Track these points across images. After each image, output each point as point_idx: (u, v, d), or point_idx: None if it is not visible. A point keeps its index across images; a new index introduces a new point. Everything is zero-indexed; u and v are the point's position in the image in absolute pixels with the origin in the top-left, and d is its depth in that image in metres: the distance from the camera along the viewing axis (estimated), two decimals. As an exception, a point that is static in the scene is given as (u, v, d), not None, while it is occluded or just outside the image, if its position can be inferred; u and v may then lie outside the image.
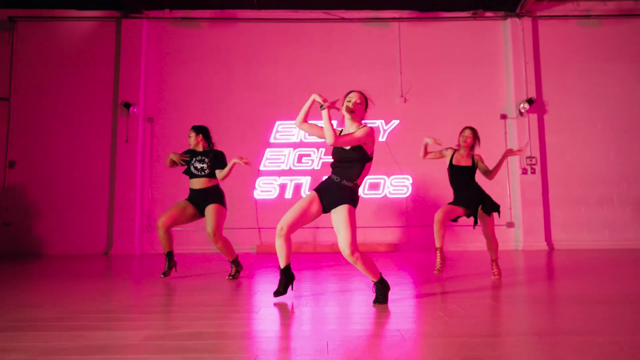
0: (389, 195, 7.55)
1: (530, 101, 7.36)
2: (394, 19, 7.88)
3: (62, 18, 7.80)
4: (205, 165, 4.33)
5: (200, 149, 4.47)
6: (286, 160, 7.61)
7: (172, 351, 1.88)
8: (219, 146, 7.56)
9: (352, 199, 2.86)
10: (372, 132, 2.91)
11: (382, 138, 7.64)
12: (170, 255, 4.21)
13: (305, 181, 7.56)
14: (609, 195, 7.54)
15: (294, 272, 3.08)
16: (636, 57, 7.82)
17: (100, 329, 2.25)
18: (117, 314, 2.61)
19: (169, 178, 7.44)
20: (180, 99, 7.80)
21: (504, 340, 2.04)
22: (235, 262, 4.29)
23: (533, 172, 7.44)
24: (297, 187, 7.57)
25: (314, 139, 7.65)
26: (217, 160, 4.39)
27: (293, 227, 2.87)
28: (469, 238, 7.20)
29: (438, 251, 4.14)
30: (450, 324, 2.30)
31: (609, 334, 2.08)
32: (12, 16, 7.69)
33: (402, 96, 7.75)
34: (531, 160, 7.46)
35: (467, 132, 4.32)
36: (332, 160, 3.00)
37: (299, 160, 7.60)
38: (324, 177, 3.10)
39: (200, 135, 4.49)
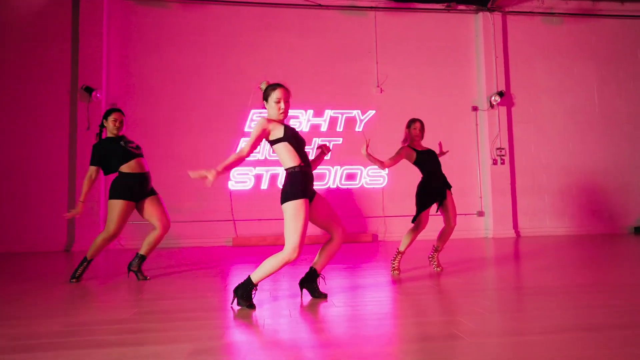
0: (365, 186, 7.56)
1: (501, 94, 7.62)
2: (370, 7, 7.82)
3: (9, -9, 7.02)
4: (136, 144, 3.91)
5: (120, 133, 3.87)
6: (262, 150, 7.39)
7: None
8: (190, 136, 7.30)
9: None
10: None
11: (358, 128, 7.61)
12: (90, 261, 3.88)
13: (281, 171, 7.39)
14: (568, 184, 8.02)
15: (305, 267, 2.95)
16: (594, 55, 8.31)
17: (130, 344, 2.03)
18: (134, 323, 2.37)
19: (137, 168, 7.01)
20: (147, 83, 7.32)
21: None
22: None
23: (502, 163, 7.75)
24: (274, 178, 7.39)
25: (290, 128, 7.48)
26: None
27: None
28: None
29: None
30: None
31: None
32: (-52, -14, 6.82)
33: (378, 86, 7.74)
34: (501, 151, 7.75)
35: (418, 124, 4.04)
36: (299, 157, 2.72)
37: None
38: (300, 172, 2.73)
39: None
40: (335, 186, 7.48)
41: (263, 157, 7.40)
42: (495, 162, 7.72)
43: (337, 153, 7.53)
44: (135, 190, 3.74)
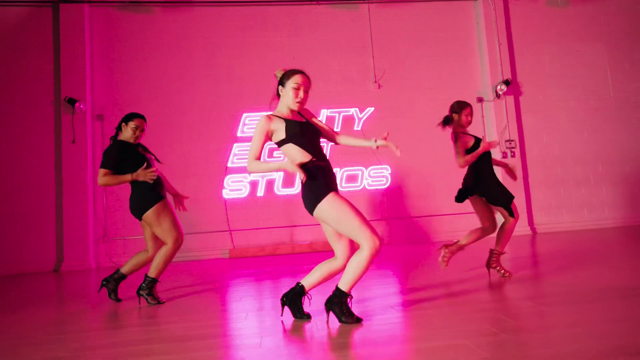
0: (367, 187, 7.13)
1: (507, 82, 7.16)
2: (362, 0, 7.43)
3: (-14, 3, 6.77)
4: (153, 155, 3.58)
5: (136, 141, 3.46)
6: (256, 155, 7.01)
7: None
8: (181, 144, 6.96)
9: None
10: None
11: (357, 127, 7.20)
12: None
13: (278, 176, 6.99)
14: (585, 175, 7.50)
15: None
16: (602, 37, 7.80)
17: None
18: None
19: (126, 181, 6.69)
20: (134, 92, 7.00)
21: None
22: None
23: (513, 156, 7.27)
24: (270, 184, 6.99)
25: (285, 130, 7.10)
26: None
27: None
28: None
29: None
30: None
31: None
32: None
33: (375, 82, 7.33)
34: (510, 143, 7.27)
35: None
36: (310, 152, 2.42)
37: (270, 154, 7.02)
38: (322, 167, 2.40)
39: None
40: (335, 189, 7.05)
41: (258, 163, 7.01)
42: (505, 155, 7.24)
43: (336, 154, 7.11)
44: (159, 190, 3.33)
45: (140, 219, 3.30)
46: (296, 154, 2.40)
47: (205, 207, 6.85)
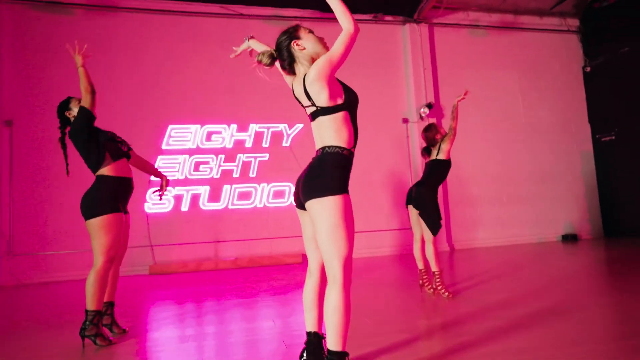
0: (294, 203, 7.18)
1: (429, 106, 7.54)
2: (295, 17, 7.50)
3: None
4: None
5: None
6: (181, 168, 6.84)
7: None
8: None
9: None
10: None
11: (285, 143, 7.25)
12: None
13: (204, 191, 6.87)
14: (498, 194, 8.07)
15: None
16: (516, 66, 8.48)
17: None
18: None
19: (35, 192, 6.27)
20: (49, 98, 6.51)
21: None
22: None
23: (433, 175, 7.64)
24: (195, 198, 6.85)
25: (211, 144, 7.00)
26: None
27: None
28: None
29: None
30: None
31: None
32: None
33: (306, 99, 7.43)
34: (431, 163, 7.65)
35: None
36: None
37: (196, 168, 6.89)
38: None
39: None
40: (262, 205, 7.04)
41: (183, 177, 6.84)
42: (425, 174, 7.60)
43: (263, 170, 7.12)
44: (120, 201, 3.04)
45: (85, 220, 2.83)
46: (342, 127, 1.87)
47: (124, 221, 6.56)
